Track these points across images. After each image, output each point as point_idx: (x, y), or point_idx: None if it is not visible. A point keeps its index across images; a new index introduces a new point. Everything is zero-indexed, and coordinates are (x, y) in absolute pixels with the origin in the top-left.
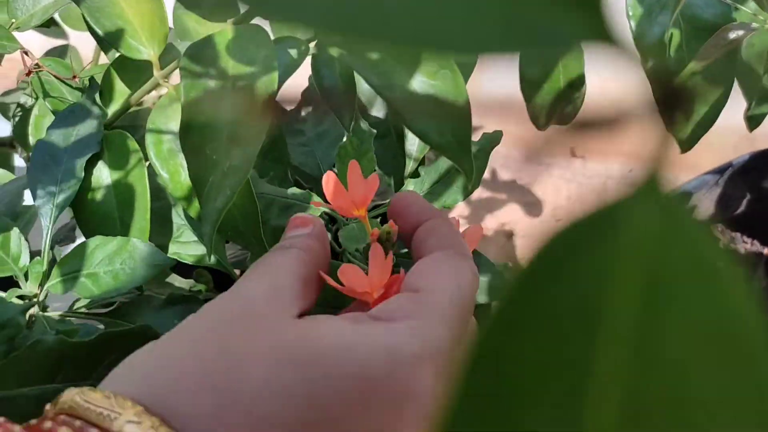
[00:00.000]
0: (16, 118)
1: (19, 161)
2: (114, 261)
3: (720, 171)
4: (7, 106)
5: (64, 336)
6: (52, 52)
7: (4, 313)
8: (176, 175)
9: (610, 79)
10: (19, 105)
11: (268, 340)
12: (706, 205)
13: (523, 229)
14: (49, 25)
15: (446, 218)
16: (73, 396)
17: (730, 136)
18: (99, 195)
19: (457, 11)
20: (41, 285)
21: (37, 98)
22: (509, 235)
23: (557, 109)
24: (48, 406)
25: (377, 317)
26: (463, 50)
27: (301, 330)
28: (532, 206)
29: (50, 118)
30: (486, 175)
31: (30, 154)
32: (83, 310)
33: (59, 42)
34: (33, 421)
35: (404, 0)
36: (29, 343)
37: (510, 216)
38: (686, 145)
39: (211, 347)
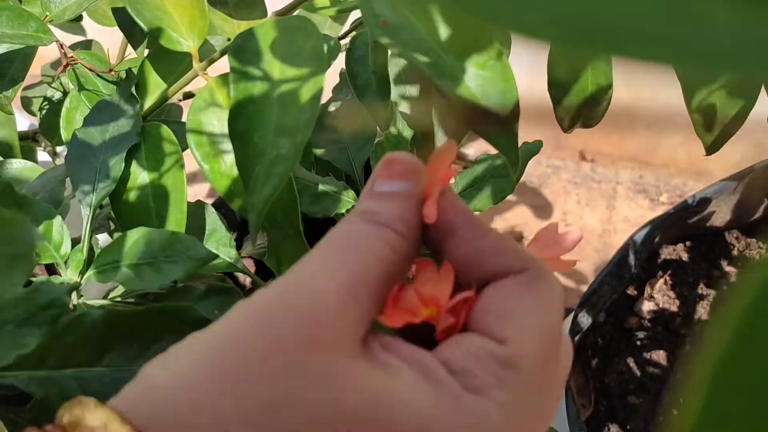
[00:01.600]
0: (43, 111)
1: (42, 155)
2: (157, 253)
3: (740, 177)
4: (29, 100)
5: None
6: (75, 47)
7: (50, 293)
8: (218, 169)
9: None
10: (46, 98)
11: (326, 397)
12: (724, 210)
13: (532, 232)
14: (80, 20)
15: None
16: (73, 410)
17: (739, 145)
18: (136, 186)
19: (690, 23)
20: (81, 273)
21: (64, 92)
22: (519, 237)
23: (583, 112)
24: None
25: (456, 373)
26: (699, 64)
27: (370, 388)
28: (542, 209)
29: (82, 111)
30: None
31: (55, 147)
32: (118, 299)
33: (78, 38)
34: None
35: (638, 14)
36: (76, 315)
37: (519, 218)
38: (712, 149)
39: (249, 394)
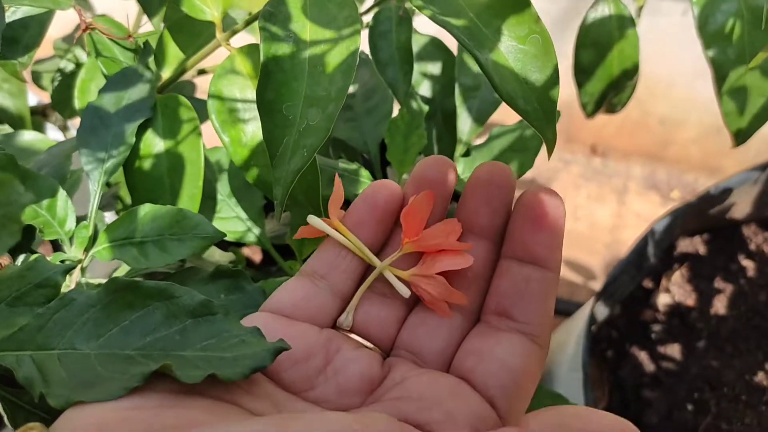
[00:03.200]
0: (55, 83)
1: (52, 131)
2: (163, 230)
3: (762, 168)
4: (39, 75)
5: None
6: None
7: (43, 271)
8: (237, 139)
9: None
10: (59, 70)
11: None
12: (744, 202)
13: None
14: None
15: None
16: None
17: (752, 141)
18: (150, 160)
19: None
20: (86, 250)
21: (77, 64)
22: None
23: (607, 97)
24: None
25: None
26: None
27: None
28: None
29: (97, 83)
30: None
31: (66, 121)
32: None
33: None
34: None
35: None
36: (66, 294)
37: None
38: (740, 139)
39: None
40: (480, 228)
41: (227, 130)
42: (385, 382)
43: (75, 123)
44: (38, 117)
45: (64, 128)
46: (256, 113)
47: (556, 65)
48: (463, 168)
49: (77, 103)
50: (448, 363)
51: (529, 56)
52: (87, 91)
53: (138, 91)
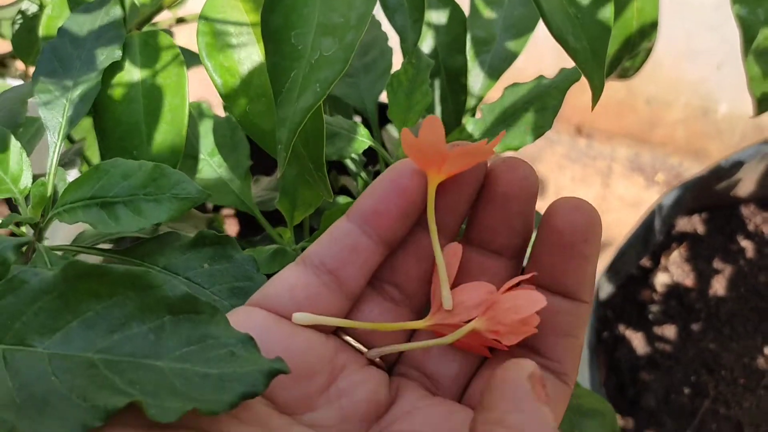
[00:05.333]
0: (16, 26)
1: (12, 82)
2: (137, 189)
3: None
4: None
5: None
6: None
7: None
8: (225, 66)
9: None
10: (20, 12)
11: None
12: (750, 179)
13: None
14: None
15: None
16: None
17: (738, 125)
18: (124, 103)
19: None
20: (44, 213)
21: (40, 5)
22: None
23: (622, 59)
24: None
25: None
26: None
27: None
28: None
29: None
30: None
31: (28, 69)
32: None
33: None
34: None
35: None
36: (18, 274)
37: None
38: (763, 106)
39: None
40: (497, 246)
41: (213, 56)
42: (393, 410)
43: None
44: None
45: (25, 77)
46: (249, 38)
47: (611, 9)
48: (472, 128)
49: (42, 43)
50: (462, 390)
51: None
52: (53, 30)
53: (108, 17)
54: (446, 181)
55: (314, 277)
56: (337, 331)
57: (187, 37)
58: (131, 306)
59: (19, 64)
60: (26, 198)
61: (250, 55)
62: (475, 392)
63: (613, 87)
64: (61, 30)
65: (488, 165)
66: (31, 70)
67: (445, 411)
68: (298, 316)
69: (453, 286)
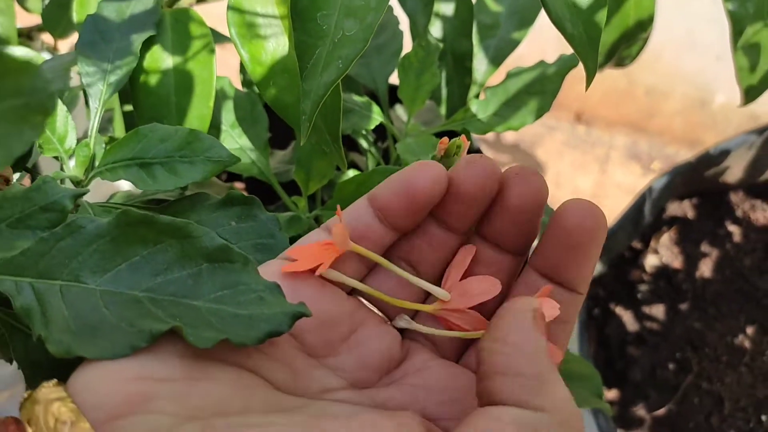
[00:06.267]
0: (46, 1)
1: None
2: (173, 152)
3: (760, 131)
4: None
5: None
6: None
7: (51, 194)
8: (257, 55)
9: None
10: None
11: None
12: (738, 166)
13: None
14: None
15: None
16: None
17: (734, 115)
18: (156, 76)
19: None
20: (87, 171)
21: None
22: None
23: (619, 49)
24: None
25: None
26: None
27: None
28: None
29: None
30: (489, 135)
31: (57, 42)
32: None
33: None
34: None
35: None
36: (75, 220)
37: None
38: (750, 96)
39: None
40: (505, 244)
41: (246, 45)
42: (404, 366)
43: (65, 46)
44: (23, 39)
45: (53, 50)
46: (277, 30)
47: None
48: (476, 109)
49: (75, 17)
50: (459, 357)
51: None
52: (86, 4)
53: (143, 4)
54: (461, 190)
55: None
56: (353, 293)
57: (205, 15)
58: (173, 253)
59: (46, 37)
60: (70, 157)
61: (278, 46)
62: (470, 359)
63: (613, 77)
64: (94, 17)
65: (503, 174)
66: (60, 43)
67: (452, 372)
68: (324, 271)
69: (464, 277)
